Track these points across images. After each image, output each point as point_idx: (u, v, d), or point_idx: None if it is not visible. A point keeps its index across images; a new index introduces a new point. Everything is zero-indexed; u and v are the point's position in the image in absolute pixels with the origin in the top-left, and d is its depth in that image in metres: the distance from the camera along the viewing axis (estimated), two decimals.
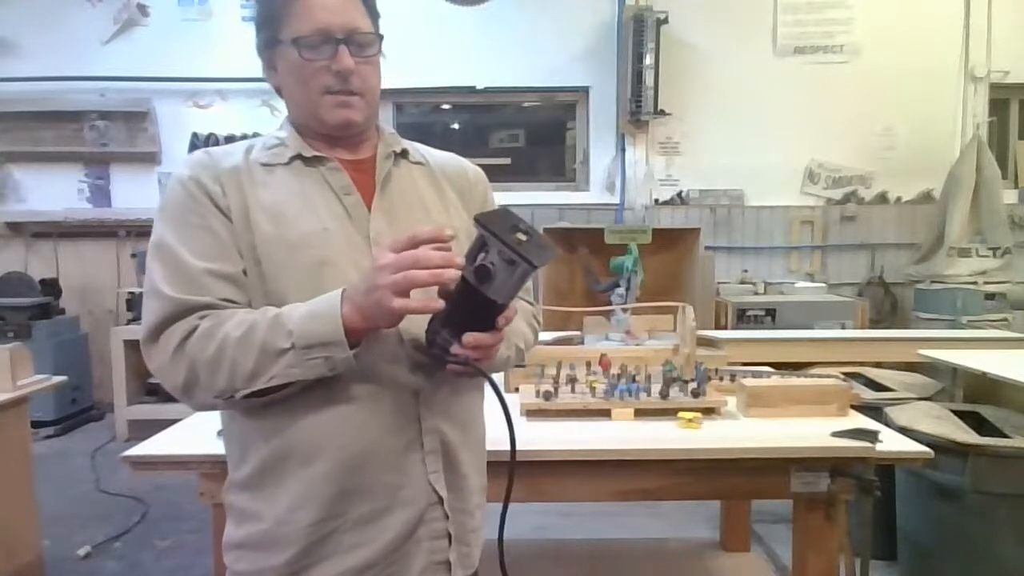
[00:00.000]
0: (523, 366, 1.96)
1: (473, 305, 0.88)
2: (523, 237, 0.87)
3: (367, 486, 0.98)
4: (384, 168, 1.09)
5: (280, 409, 0.97)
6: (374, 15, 1.08)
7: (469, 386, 1.08)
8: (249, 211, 1.00)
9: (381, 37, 1.08)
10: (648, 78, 4.93)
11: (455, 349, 0.91)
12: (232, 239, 0.99)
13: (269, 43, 1.06)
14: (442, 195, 1.14)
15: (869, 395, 2.72)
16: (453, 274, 0.86)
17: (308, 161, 1.06)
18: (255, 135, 5.48)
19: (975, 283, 4.57)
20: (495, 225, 0.87)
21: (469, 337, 0.90)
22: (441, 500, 1.02)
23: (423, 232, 0.88)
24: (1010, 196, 5.15)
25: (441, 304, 0.88)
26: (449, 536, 1.04)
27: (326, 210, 1.03)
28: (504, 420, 0.95)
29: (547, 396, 1.83)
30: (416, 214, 1.08)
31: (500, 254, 0.85)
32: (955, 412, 2.43)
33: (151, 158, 5.29)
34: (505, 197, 5.10)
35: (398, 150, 1.13)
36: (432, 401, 1.02)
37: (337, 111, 1.04)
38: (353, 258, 1.01)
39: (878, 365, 3.32)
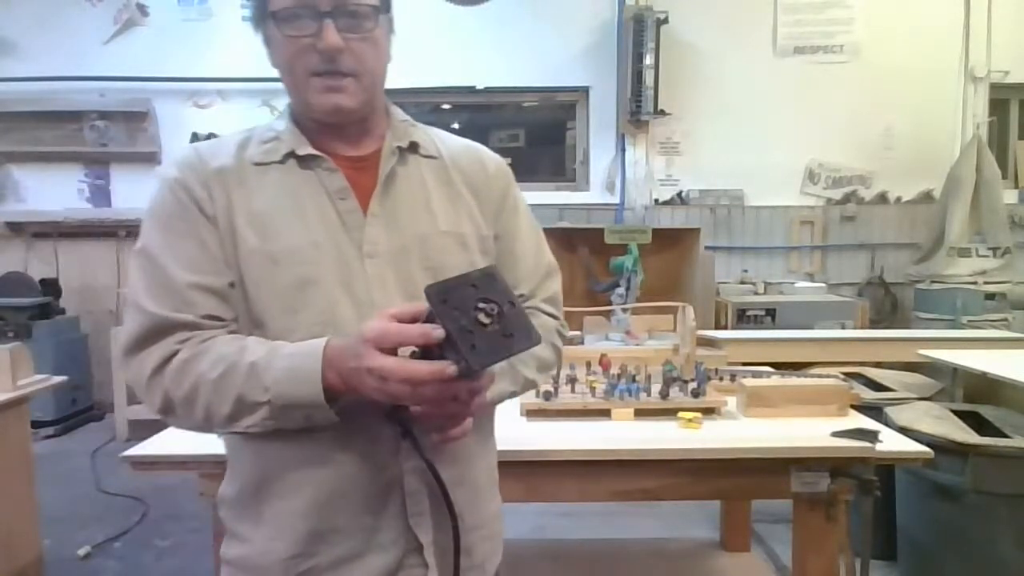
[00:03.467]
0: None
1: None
2: (485, 320, 0.72)
3: (341, 528, 0.92)
4: (387, 166, 0.97)
5: (266, 437, 0.89)
6: None
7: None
8: (235, 220, 0.92)
9: (380, 9, 0.93)
10: (648, 78, 4.93)
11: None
12: (219, 249, 0.91)
13: (258, 18, 0.94)
14: (453, 194, 1.01)
15: (869, 395, 2.72)
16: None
17: (303, 160, 0.95)
18: None
19: (975, 283, 4.57)
20: (452, 302, 0.73)
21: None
22: (420, 546, 0.94)
23: (422, 372, 0.75)
24: (1010, 196, 5.15)
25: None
26: None
27: (318, 219, 0.93)
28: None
29: (547, 396, 1.83)
30: (420, 219, 0.97)
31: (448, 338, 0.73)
32: (955, 412, 2.42)
33: (151, 158, 5.29)
34: None
35: (405, 144, 1.00)
36: (419, 439, 0.91)
37: (325, 96, 0.91)
38: (342, 275, 0.92)
39: (878, 365, 3.32)
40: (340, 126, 0.97)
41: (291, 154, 0.96)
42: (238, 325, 0.92)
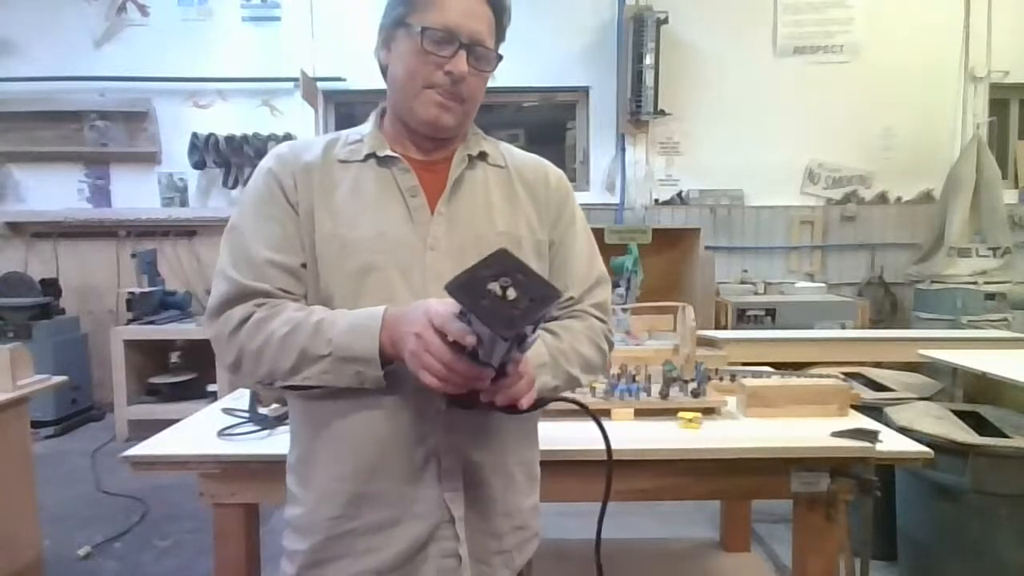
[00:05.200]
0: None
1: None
2: (508, 294, 0.77)
3: (381, 494, 1.01)
4: (457, 171, 1.09)
5: (318, 404, 1.02)
6: (500, 37, 1.09)
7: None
8: (314, 209, 1.03)
9: (500, 58, 1.09)
10: (648, 78, 4.93)
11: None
12: (297, 233, 1.03)
13: (396, 22, 1.05)
14: (513, 199, 1.11)
15: (869, 395, 2.72)
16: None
17: (381, 160, 1.07)
18: (254, 135, 5.47)
19: (975, 283, 4.57)
20: (474, 290, 0.78)
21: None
22: (453, 520, 1.02)
23: (454, 364, 0.84)
24: (1010, 196, 5.15)
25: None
26: (459, 557, 1.02)
27: (388, 212, 1.04)
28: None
29: None
30: (479, 220, 1.07)
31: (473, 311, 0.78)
32: (955, 412, 2.42)
33: (151, 158, 5.28)
34: None
35: (475, 152, 1.12)
36: (458, 420, 1.00)
37: (432, 108, 1.04)
38: (403, 265, 1.02)
39: (878, 365, 3.32)
40: (425, 136, 1.08)
41: (371, 155, 1.07)
42: (307, 301, 1.04)
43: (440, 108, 1.04)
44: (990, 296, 4.48)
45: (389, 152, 1.07)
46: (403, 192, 1.05)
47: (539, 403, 0.94)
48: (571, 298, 1.13)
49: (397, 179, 1.06)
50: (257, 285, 1.00)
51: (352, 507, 1.01)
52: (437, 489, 1.01)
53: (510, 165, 1.15)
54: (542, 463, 1.20)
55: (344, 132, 1.13)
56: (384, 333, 0.92)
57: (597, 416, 0.96)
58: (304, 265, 1.03)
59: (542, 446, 1.27)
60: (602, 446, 1.60)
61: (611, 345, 1.17)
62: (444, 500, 1.01)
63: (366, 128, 1.11)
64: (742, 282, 5.01)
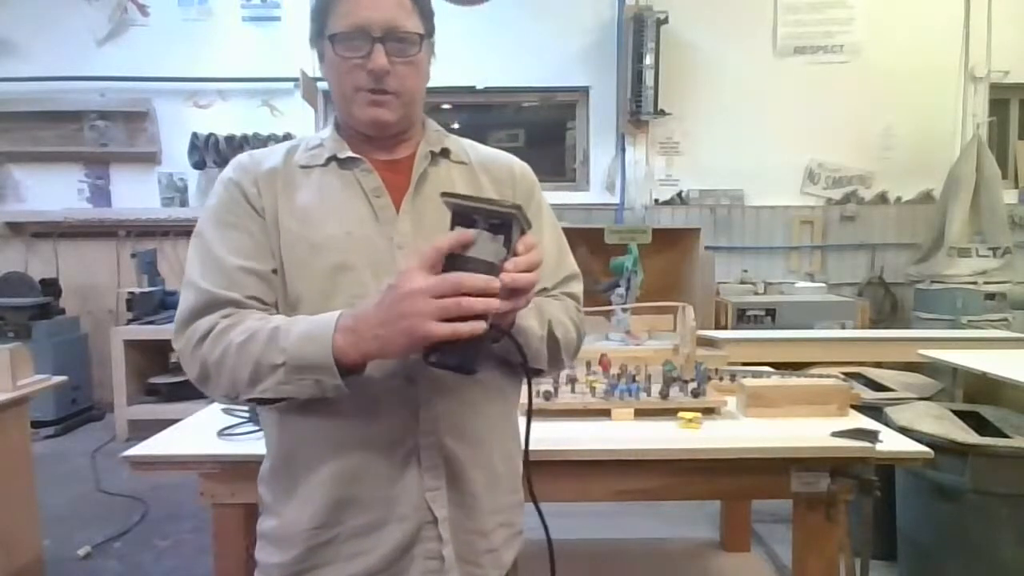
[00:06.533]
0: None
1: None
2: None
3: (363, 498, 0.98)
4: (420, 168, 1.07)
5: (290, 412, 0.98)
6: (425, 14, 1.05)
7: (485, 401, 1.05)
8: (279, 213, 1.02)
9: (424, 36, 1.04)
10: (648, 78, 4.93)
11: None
12: (265, 239, 1.02)
13: (318, 36, 1.05)
14: (479, 191, 1.09)
15: (869, 395, 2.72)
16: (498, 304, 0.82)
17: (343, 163, 1.06)
18: (254, 135, 5.47)
19: (975, 283, 4.57)
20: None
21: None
22: (436, 520, 0.99)
23: (444, 241, 0.83)
24: (1010, 196, 5.15)
25: (483, 327, 0.82)
26: (443, 559, 1.00)
27: (353, 213, 1.03)
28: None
29: (547, 396, 1.83)
30: (446, 217, 1.04)
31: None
32: (955, 412, 2.42)
33: (151, 158, 5.29)
34: None
35: (437, 149, 1.10)
36: (435, 416, 0.98)
37: (368, 109, 1.02)
38: (373, 263, 1.00)
39: (878, 365, 3.31)
40: (377, 137, 1.07)
41: (333, 158, 1.06)
42: (277, 308, 1.01)
43: (375, 107, 1.02)
44: (990, 296, 4.48)
45: (350, 154, 1.06)
46: (367, 193, 1.04)
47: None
48: (544, 288, 1.10)
49: (360, 180, 1.05)
50: (227, 294, 0.97)
51: (334, 514, 0.98)
52: (419, 489, 0.98)
53: (473, 161, 1.13)
54: (540, 464, 1.19)
55: (304, 138, 1.12)
56: (341, 338, 0.87)
57: (519, 343, 0.96)
58: (275, 271, 1.01)
59: (538, 446, 1.28)
60: (603, 446, 1.61)
61: (582, 330, 1.16)
62: (426, 500, 0.99)
63: (325, 133, 1.10)
64: (742, 282, 5.01)
